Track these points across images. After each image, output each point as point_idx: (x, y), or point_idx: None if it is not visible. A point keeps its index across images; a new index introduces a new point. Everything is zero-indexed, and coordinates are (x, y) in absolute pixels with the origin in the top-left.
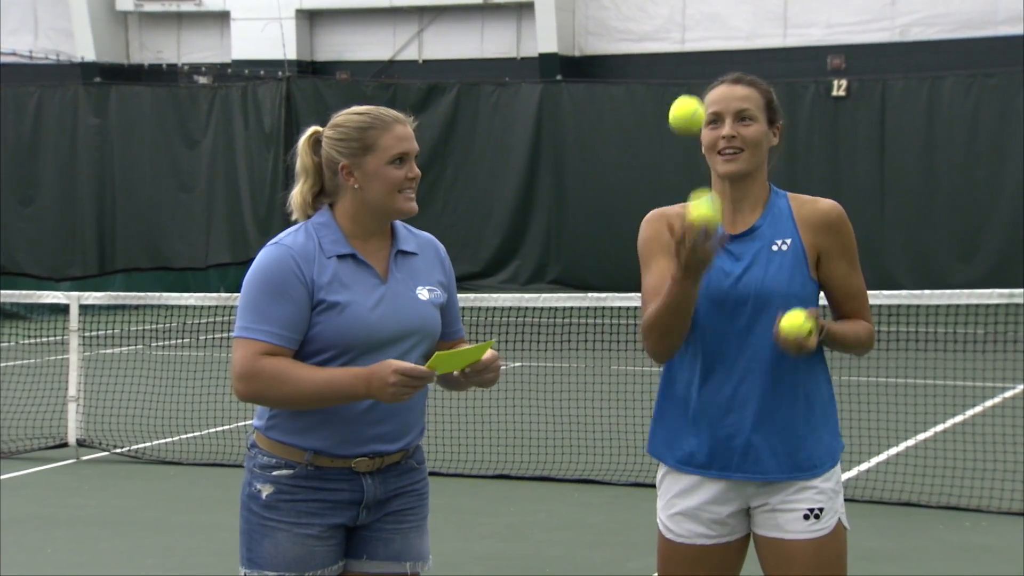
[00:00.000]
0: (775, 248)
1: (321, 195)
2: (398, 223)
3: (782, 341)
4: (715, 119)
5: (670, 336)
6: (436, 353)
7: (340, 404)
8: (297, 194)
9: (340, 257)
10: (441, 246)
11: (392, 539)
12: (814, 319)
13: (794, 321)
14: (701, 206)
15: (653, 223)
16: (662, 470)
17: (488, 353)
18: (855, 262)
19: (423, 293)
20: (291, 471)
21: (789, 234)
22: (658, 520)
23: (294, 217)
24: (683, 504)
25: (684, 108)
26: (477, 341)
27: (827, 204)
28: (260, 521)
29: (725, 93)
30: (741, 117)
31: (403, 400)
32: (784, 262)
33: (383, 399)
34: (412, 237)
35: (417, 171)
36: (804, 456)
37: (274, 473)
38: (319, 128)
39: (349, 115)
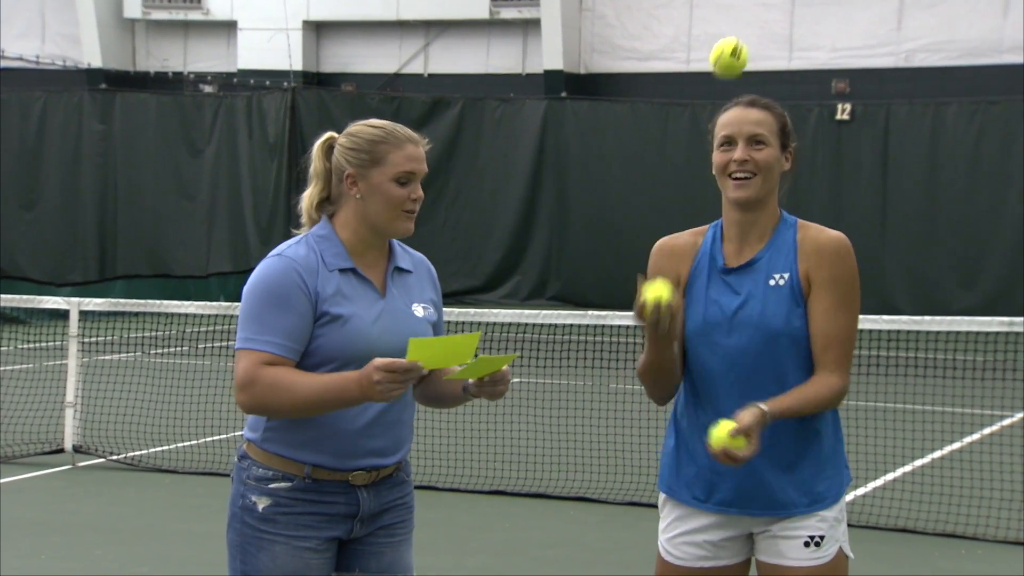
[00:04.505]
0: (772, 283)
1: (327, 202)
2: (394, 240)
3: (715, 457)
4: (727, 142)
5: (659, 386)
6: (411, 341)
7: (338, 409)
8: (306, 197)
9: (342, 271)
10: (432, 266)
11: (383, 553)
12: (743, 433)
13: (720, 433)
14: (654, 287)
15: (657, 257)
16: (663, 494)
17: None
18: (846, 302)
19: (418, 310)
20: (289, 484)
21: (788, 268)
22: (659, 542)
23: (303, 220)
24: (683, 527)
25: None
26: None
27: (829, 234)
28: (255, 534)
29: (739, 116)
30: (754, 141)
31: (395, 397)
32: (781, 298)
33: (374, 398)
34: (407, 255)
35: (420, 193)
36: (803, 491)
37: (271, 486)
38: (334, 134)
39: (364, 126)
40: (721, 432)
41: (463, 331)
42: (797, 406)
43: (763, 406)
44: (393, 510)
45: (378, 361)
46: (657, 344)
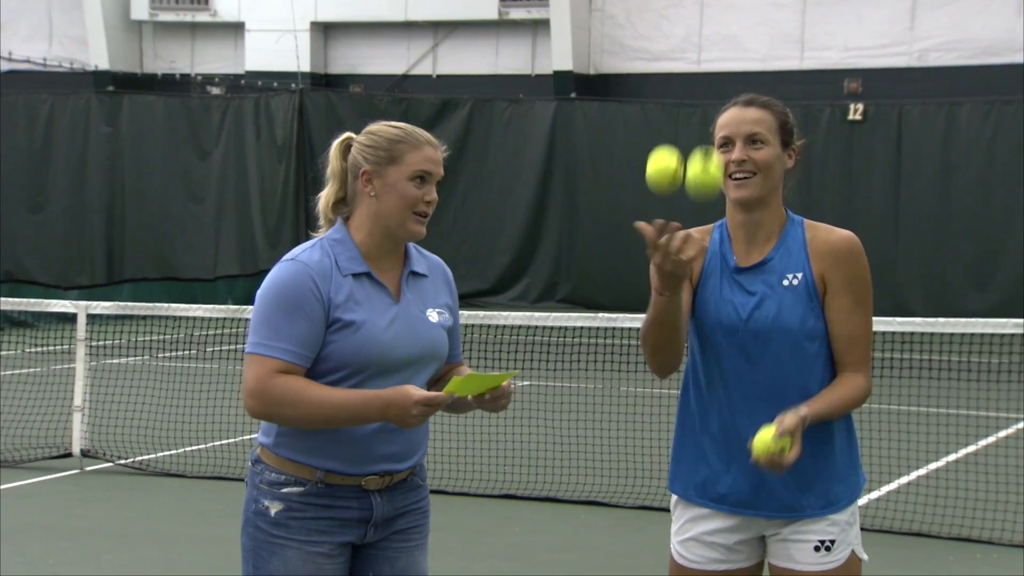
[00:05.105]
0: (786, 283)
1: (342, 203)
2: (410, 244)
3: (759, 465)
4: (726, 143)
5: (662, 351)
6: (453, 378)
7: (351, 426)
8: (323, 197)
9: (356, 276)
10: (448, 269)
11: (397, 557)
12: (788, 434)
13: (763, 438)
14: (703, 167)
15: None
16: (675, 496)
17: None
18: (863, 301)
19: (433, 315)
20: (301, 488)
21: (800, 267)
22: (671, 545)
23: (320, 221)
24: (696, 530)
25: (663, 169)
26: (485, 360)
27: (840, 234)
28: (268, 539)
29: (736, 116)
30: (752, 140)
31: (419, 425)
32: (797, 298)
33: (400, 426)
34: (423, 259)
35: (434, 196)
36: (819, 493)
37: (283, 490)
38: (352, 134)
39: (384, 126)
40: (765, 438)
41: (471, 335)
42: (832, 409)
43: (803, 409)
44: (408, 515)
45: (417, 395)
46: (668, 286)
